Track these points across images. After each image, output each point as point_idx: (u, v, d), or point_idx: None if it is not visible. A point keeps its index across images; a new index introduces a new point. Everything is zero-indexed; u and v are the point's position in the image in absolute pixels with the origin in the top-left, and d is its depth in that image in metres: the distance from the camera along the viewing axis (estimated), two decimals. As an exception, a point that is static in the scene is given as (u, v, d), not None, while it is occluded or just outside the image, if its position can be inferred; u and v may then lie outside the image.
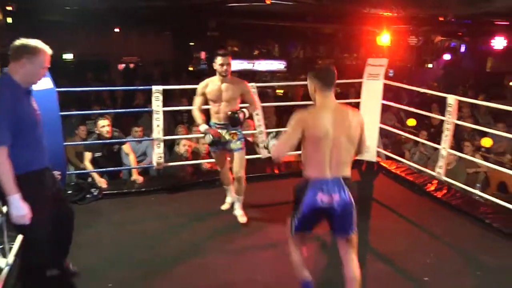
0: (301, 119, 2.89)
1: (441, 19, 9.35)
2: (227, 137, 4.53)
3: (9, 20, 9.84)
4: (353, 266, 3.00)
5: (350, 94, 9.90)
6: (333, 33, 14.18)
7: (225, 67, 4.34)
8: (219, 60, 4.34)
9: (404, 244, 4.27)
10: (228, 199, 5.01)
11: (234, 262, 3.95)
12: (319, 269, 3.80)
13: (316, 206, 2.87)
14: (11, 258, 3.50)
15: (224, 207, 4.97)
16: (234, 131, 4.53)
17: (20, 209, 2.67)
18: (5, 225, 3.47)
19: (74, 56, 12.59)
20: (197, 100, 4.58)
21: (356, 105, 6.67)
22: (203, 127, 4.49)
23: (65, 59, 12.25)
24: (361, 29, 12.55)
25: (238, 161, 4.58)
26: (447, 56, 14.27)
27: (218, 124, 4.53)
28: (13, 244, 3.67)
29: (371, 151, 6.26)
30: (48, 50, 2.88)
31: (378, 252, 4.11)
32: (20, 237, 3.79)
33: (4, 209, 3.39)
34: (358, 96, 6.61)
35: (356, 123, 2.92)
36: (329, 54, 15.71)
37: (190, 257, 4.01)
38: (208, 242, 4.28)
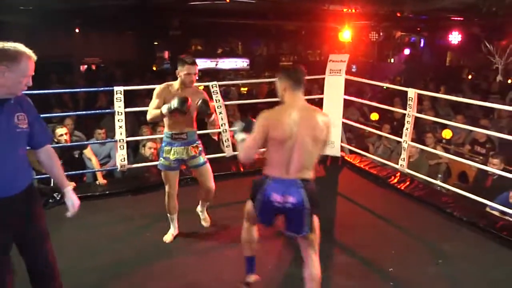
0: (265, 120, 2.89)
1: (398, 15, 9.54)
2: (191, 153, 4.13)
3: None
4: (312, 265, 3.05)
5: (313, 90, 9.94)
6: (296, 30, 14.31)
7: (191, 77, 3.90)
8: (186, 69, 3.86)
9: (370, 237, 4.34)
10: (172, 230, 4.35)
11: (200, 262, 3.93)
12: (282, 263, 3.80)
13: (269, 205, 2.93)
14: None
15: (168, 238, 4.29)
16: (195, 145, 4.17)
17: (76, 199, 2.82)
18: None
19: (32, 57, 12.23)
20: (155, 103, 3.98)
21: (320, 101, 6.74)
22: (165, 106, 3.85)
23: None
24: (323, 26, 12.69)
25: (208, 175, 4.30)
26: (407, 51, 14.59)
27: (177, 134, 4.07)
28: None
29: (335, 146, 6.34)
30: (32, 55, 2.54)
31: (344, 244, 4.18)
32: None
33: None
34: (321, 92, 6.67)
35: (323, 124, 2.89)
36: (293, 51, 15.84)
37: (157, 258, 3.97)
38: (174, 243, 4.25)
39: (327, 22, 11.78)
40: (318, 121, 2.88)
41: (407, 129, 5.50)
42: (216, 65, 14.31)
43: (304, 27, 14.01)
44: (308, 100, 8.30)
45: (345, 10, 9.55)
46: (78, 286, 3.53)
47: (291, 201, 2.86)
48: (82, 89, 9.38)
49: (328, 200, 5.25)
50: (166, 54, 14.28)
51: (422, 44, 14.87)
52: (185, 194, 5.24)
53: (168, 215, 4.31)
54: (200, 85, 10.24)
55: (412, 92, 5.42)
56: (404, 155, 5.55)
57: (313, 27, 13.44)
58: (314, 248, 3.08)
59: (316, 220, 3.02)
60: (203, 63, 14.16)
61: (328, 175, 6.12)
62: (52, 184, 5.59)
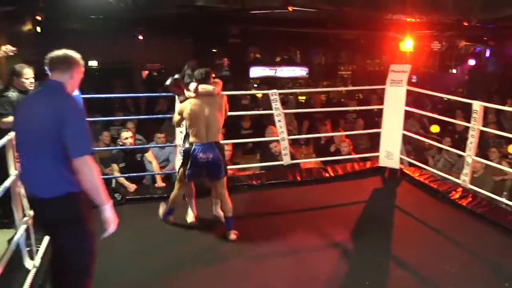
0: (183, 108, 4.34)
1: (465, 24, 9.20)
2: None
3: (38, 29, 10.10)
4: (225, 202, 4.47)
5: (372, 100, 9.82)
6: (355, 39, 14.10)
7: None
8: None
9: (427, 252, 4.19)
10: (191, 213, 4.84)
11: (253, 268, 3.94)
12: (338, 276, 3.76)
13: (197, 161, 4.32)
14: (38, 260, 3.56)
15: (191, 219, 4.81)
16: None
17: (113, 217, 2.77)
18: (32, 228, 3.53)
19: (98, 63, 12.80)
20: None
21: (379, 112, 6.63)
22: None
23: (90, 66, 12.46)
24: (383, 35, 12.45)
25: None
26: (471, 62, 14.03)
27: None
28: (39, 247, 3.74)
29: (395, 158, 6.20)
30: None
31: (401, 259, 4.05)
32: (47, 238, 3.88)
33: (31, 212, 3.48)
34: (381, 103, 6.56)
35: (221, 101, 4.41)
36: (351, 60, 15.62)
37: (209, 262, 4.03)
38: (228, 247, 4.29)
39: (388, 32, 11.57)
40: (219, 101, 4.39)
41: (471, 143, 5.29)
42: (275, 73, 14.32)
43: (364, 36, 13.80)
44: (367, 111, 8.24)
45: (408, 19, 9.35)
46: (133, 285, 3.63)
47: (211, 157, 4.31)
48: (144, 94, 9.69)
49: (385, 213, 5.15)
50: (225, 62, 14.46)
51: (487, 55, 14.27)
52: (240, 200, 5.32)
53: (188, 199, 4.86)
54: (259, 93, 10.40)
55: (477, 105, 5.21)
56: (467, 169, 5.34)
57: (373, 37, 13.22)
58: (224, 188, 4.49)
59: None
60: (261, 71, 14.22)
61: (386, 187, 5.99)
62: (113, 185, 5.81)
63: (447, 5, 7.51)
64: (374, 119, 8.64)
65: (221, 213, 4.67)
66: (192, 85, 4.36)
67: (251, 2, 5.80)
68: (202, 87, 4.31)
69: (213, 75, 4.46)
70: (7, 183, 3.16)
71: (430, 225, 4.79)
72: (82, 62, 2.86)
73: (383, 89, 6.35)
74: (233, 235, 4.41)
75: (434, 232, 4.66)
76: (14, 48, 5.04)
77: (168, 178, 6.25)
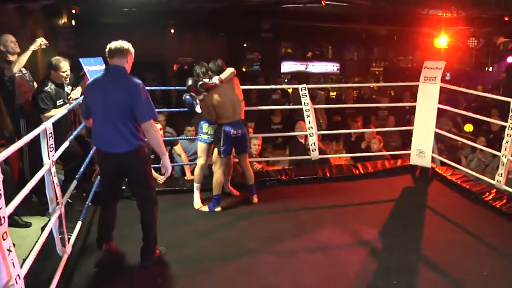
0: (209, 100, 4.86)
1: (506, 19, 8.87)
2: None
3: (73, 22, 10.30)
4: (248, 171, 5.17)
5: (404, 97, 9.64)
6: (388, 35, 13.87)
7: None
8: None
9: (459, 255, 4.09)
10: (198, 198, 5.18)
11: (281, 263, 3.93)
12: (367, 274, 3.72)
13: (230, 137, 4.86)
14: (69, 248, 3.64)
15: (199, 205, 5.12)
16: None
17: (170, 164, 3.73)
18: (64, 216, 3.60)
19: (130, 55, 12.94)
20: None
21: (411, 109, 6.51)
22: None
23: (122, 58, 12.61)
24: (417, 31, 12.21)
25: None
26: (511, 59, 13.59)
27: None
28: (71, 235, 3.82)
29: (426, 157, 6.09)
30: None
31: (431, 261, 3.96)
32: (78, 227, 3.97)
33: (64, 200, 3.56)
34: (413, 100, 6.44)
35: (236, 82, 5.00)
36: (384, 56, 15.38)
37: (238, 256, 4.03)
38: (256, 242, 4.29)
39: (423, 27, 11.33)
40: (237, 86, 4.98)
41: (507, 142, 5.14)
42: (306, 68, 14.25)
43: (397, 32, 13.57)
44: (398, 108, 8.07)
45: (444, 15, 9.11)
46: (159, 276, 3.67)
47: (240, 132, 4.89)
48: (175, 87, 9.73)
49: (416, 212, 5.07)
50: (256, 56, 14.45)
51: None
52: (269, 195, 5.32)
53: (197, 184, 5.13)
54: (289, 87, 10.36)
55: (515, 104, 5.05)
56: (502, 170, 5.19)
57: (406, 32, 12.98)
58: (248, 160, 5.21)
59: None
60: (292, 66, 14.16)
61: (417, 186, 5.90)
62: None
63: (490, -1, 7.26)
64: (406, 116, 8.51)
65: (231, 189, 5.39)
66: (215, 78, 4.83)
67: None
68: (225, 76, 4.84)
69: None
70: (42, 171, 3.22)
71: (462, 227, 4.67)
72: (133, 50, 3.62)
73: (416, 86, 6.24)
74: (255, 199, 5.19)
75: (466, 234, 4.55)
76: (47, 42, 5.14)
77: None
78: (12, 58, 5.06)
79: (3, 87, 5.11)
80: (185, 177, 5.88)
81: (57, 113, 4.42)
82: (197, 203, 5.08)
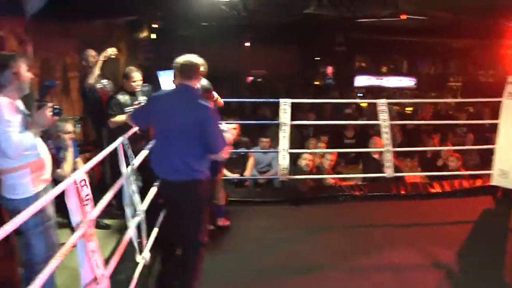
0: None
1: None
2: None
3: (153, 36, 10.81)
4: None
5: (484, 114, 9.20)
6: (466, 48, 13.33)
7: None
8: None
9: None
10: None
11: (350, 280, 3.87)
12: None
13: None
14: (147, 253, 3.78)
15: None
16: None
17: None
18: (144, 222, 3.75)
19: (205, 68, 13.31)
20: None
21: (491, 127, 6.22)
22: None
23: (199, 71, 13.02)
24: (500, 43, 11.62)
25: None
26: None
27: None
28: (147, 242, 3.97)
29: (509, 177, 5.76)
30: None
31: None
32: (154, 233, 4.12)
33: (143, 207, 3.72)
34: (494, 117, 6.14)
35: None
36: (462, 71, 14.78)
37: (306, 270, 4.01)
38: (325, 257, 4.25)
39: (505, 40, 10.77)
40: None
41: None
42: (381, 82, 14.01)
43: (477, 44, 13.00)
44: (478, 125, 7.67)
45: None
46: (220, 285, 3.72)
47: None
48: (250, 99, 9.98)
49: (497, 237, 4.78)
50: (329, 70, 14.41)
51: None
52: (341, 210, 5.27)
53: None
54: (363, 102, 10.22)
55: None
56: None
57: (487, 45, 12.39)
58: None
59: None
60: (367, 80, 13.97)
61: (499, 209, 5.57)
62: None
63: None
64: (485, 134, 8.11)
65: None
66: None
67: (362, 10, 5.72)
68: None
69: None
70: (122, 180, 3.38)
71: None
72: (203, 65, 3.43)
73: (498, 103, 5.94)
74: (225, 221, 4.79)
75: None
76: (116, 52, 5.42)
77: (269, 183, 6.35)
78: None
79: (86, 98, 5.50)
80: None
81: (121, 119, 4.80)
82: None
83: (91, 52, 5.38)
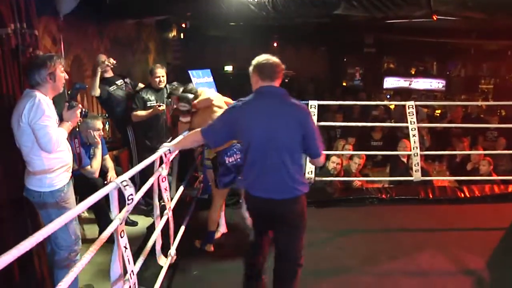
0: None
1: None
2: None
3: (182, 35, 10.93)
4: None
5: (517, 118, 8.99)
6: (499, 50, 13.03)
7: None
8: None
9: None
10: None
11: (377, 284, 3.83)
12: None
13: (226, 164, 3.92)
14: (173, 250, 3.82)
15: None
16: None
17: None
18: (172, 225, 3.77)
19: (233, 68, 13.46)
20: None
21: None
22: None
23: (226, 70, 13.15)
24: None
25: None
26: None
27: None
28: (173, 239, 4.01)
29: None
30: None
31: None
32: (181, 231, 4.16)
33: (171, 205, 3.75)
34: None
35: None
36: (494, 73, 14.45)
37: (332, 273, 4.00)
38: (352, 260, 4.22)
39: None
40: None
41: None
42: (409, 84, 13.82)
43: (510, 46, 12.70)
44: (510, 129, 7.50)
45: None
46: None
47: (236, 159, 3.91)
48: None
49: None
50: (357, 71, 14.31)
51: None
52: (367, 213, 5.22)
53: None
54: (391, 104, 10.10)
55: None
56: None
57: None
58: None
59: None
60: (395, 82, 13.79)
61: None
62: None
63: None
64: (519, 139, 7.93)
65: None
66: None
67: (394, 11, 5.64)
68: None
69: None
70: (152, 179, 3.40)
71: None
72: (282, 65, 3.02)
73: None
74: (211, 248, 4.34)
75: None
76: (115, 61, 5.42)
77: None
78: (107, 75, 5.45)
79: (103, 104, 5.68)
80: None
81: (142, 114, 5.16)
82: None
83: (102, 57, 5.40)
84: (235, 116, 2.99)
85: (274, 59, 2.99)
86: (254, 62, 3.01)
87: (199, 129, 3.15)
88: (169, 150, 3.40)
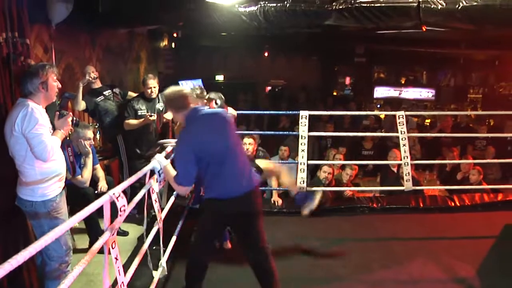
0: None
1: None
2: None
3: (173, 45, 10.94)
4: None
5: (506, 127, 9.08)
6: (487, 60, 13.18)
7: None
8: None
9: None
10: None
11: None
12: None
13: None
14: (164, 261, 3.80)
15: None
16: None
17: None
18: (162, 231, 3.76)
19: (224, 77, 13.45)
20: None
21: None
22: None
23: (217, 80, 13.17)
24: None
25: None
26: None
27: None
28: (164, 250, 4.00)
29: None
30: None
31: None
32: (173, 241, 4.15)
33: (162, 215, 3.74)
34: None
35: None
36: (483, 82, 14.59)
37: (325, 281, 4.01)
38: (345, 269, 4.23)
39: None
40: None
41: None
42: (399, 94, 13.91)
43: (499, 56, 12.83)
44: (498, 138, 7.59)
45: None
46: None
47: None
48: (269, 112, 9.96)
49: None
50: (347, 80, 14.37)
51: None
52: (359, 223, 5.24)
53: None
54: (381, 114, 10.16)
55: None
56: None
57: (509, 57, 12.24)
58: None
59: None
60: (385, 92, 13.87)
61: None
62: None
63: None
64: (507, 147, 8.01)
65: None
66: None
67: (384, 22, 5.70)
68: None
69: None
70: (143, 191, 3.39)
71: None
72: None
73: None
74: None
75: None
76: (96, 75, 5.37)
77: (286, 194, 6.32)
78: (95, 86, 5.45)
79: (93, 115, 5.63)
80: (272, 199, 5.92)
81: (134, 123, 5.19)
82: None
83: (91, 69, 5.37)
84: (194, 143, 3.21)
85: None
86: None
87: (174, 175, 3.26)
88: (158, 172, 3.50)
